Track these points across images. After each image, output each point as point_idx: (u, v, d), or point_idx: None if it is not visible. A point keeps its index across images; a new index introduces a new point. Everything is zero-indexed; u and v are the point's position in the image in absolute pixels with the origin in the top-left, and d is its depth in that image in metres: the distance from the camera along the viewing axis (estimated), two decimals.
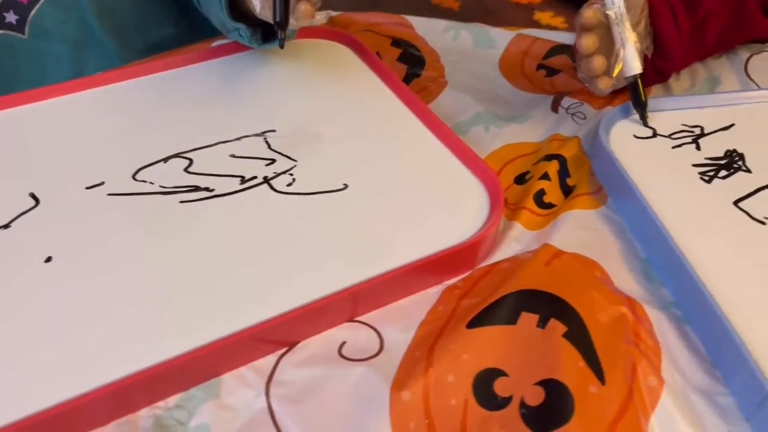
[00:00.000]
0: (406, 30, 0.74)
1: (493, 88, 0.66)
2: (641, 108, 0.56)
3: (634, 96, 0.56)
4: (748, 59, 0.68)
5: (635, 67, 0.55)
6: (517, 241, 0.49)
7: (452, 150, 0.54)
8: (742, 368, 0.37)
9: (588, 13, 0.53)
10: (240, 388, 0.40)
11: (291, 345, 0.42)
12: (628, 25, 0.54)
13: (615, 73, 0.55)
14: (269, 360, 0.41)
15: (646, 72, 0.59)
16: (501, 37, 0.73)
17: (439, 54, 0.71)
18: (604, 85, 0.56)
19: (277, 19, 0.50)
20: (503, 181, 0.55)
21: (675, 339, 0.42)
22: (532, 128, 0.60)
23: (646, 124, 0.56)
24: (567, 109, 0.62)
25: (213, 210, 0.49)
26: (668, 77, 0.65)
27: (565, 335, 0.40)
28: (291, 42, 0.68)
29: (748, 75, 0.66)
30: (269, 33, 0.61)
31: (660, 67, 0.62)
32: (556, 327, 0.40)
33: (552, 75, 0.67)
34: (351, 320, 0.44)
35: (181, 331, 0.40)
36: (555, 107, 0.63)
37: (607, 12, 0.54)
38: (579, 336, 0.40)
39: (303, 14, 0.51)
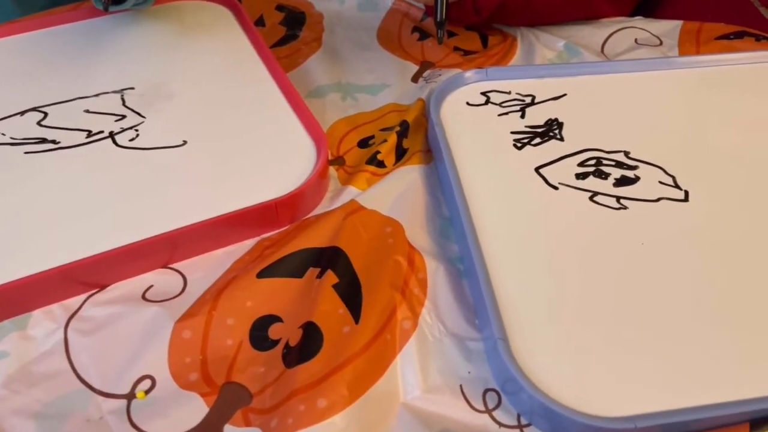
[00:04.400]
0: None
1: (363, 53, 0.69)
2: (439, 27, 0.58)
3: (434, 12, 0.58)
4: (611, 34, 0.71)
5: None
6: (340, 199, 0.53)
7: (296, 113, 0.57)
8: (487, 316, 0.41)
9: None
10: (45, 321, 0.44)
11: (102, 286, 0.46)
12: None
13: None
14: (79, 299, 0.46)
15: (466, 8, 0.62)
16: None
17: (323, 16, 0.74)
18: None
19: None
20: (346, 145, 0.58)
21: (446, 289, 0.46)
22: (388, 97, 0.63)
23: (440, 43, 0.59)
24: (426, 79, 0.65)
25: (55, 161, 0.53)
26: (483, 16, 0.67)
27: (334, 285, 0.44)
28: (174, 4, 0.72)
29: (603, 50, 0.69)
30: None
31: (478, 2, 0.65)
32: (330, 278, 0.45)
33: (424, 39, 0.70)
34: (165, 266, 0.48)
35: None
36: (415, 78, 0.66)
37: None
38: (347, 285, 0.45)
39: None
